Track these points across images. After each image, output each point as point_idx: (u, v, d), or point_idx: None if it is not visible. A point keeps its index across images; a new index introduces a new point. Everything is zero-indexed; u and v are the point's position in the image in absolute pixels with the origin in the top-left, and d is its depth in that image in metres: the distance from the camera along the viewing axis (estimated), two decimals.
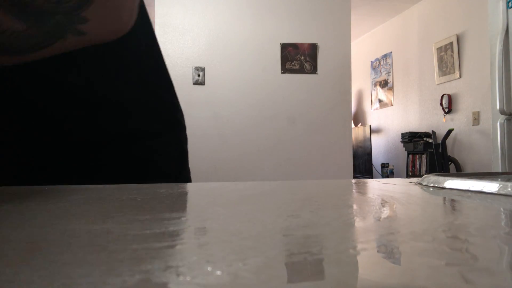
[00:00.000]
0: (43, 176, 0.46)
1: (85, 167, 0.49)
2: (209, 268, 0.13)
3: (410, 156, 4.95)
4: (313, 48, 3.50)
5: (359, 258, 0.14)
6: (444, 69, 4.67)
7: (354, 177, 4.67)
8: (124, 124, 0.51)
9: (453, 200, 0.31)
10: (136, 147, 0.52)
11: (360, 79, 6.61)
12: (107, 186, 0.40)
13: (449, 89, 4.60)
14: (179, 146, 0.58)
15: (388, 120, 5.91)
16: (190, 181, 0.59)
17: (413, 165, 4.90)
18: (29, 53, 0.38)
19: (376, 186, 0.43)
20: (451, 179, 0.37)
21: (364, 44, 6.52)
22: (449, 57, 4.58)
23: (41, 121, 0.46)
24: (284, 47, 3.47)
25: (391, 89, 5.79)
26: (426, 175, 0.41)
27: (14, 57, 0.38)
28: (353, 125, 6.16)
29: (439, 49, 4.74)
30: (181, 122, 0.59)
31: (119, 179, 0.46)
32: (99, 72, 0.48)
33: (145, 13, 0.52)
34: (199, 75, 3.37)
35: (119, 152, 0.50)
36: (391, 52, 5.78)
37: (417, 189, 0.37)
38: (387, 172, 5.66)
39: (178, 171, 0.57)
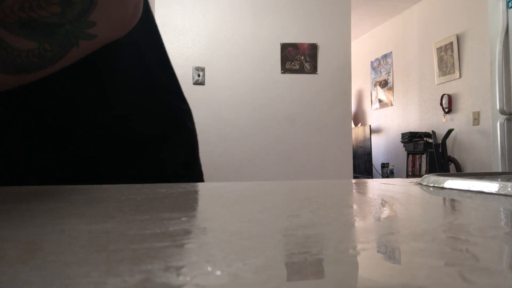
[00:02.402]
0: (56, 180, 0.46)
1: (92, 172, 0.49)
2: (209, 268, 0.12)
3: (410, 156, 4.94)
4: (313, 48, 3.50)
5: (359, 258, 0.14)
6: (444, 69, 4.67)
7: (354, 177, 4.67)
8: (126, 128, 0.50)
9: (453, 200, 0.31)
10: (139, 152, 0.51)
11: (360, 79, 6.61)
12: (107, 186, 0.40)
13: (449, 89, 4.59)
14: (186, 151, 0.57)
15: (388, 120, 5.91)
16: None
17: (413, 165, 4.90)
18: (47, 67, 0.39)
19: (376, 186, 0.43)
20: (451, 179, 0.37)
21: (364, 44, 6.52)
22: (449, 57, 4.58)
23: (52, 130, 0.47)
24: (284, 47, 3.47)
25: (391, 89, 5.78)
26: (426, 175, 0.41)
27: (34, 74, 0.39)
28: (353, 125, 6.16)
29: (439, 49, 4.73)
30: (187, 125, 0.57)
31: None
32: (107, 73, 0.48)
33: (148, 7, 0.52)
34: (199, 75, 3.37)
35: (122, 158, 0.50)
36: (391, 52, 5.77)
37: (417, 189, 0.37)
38: (387, 172, 5.66)
39: (188, 175, 0.56)
